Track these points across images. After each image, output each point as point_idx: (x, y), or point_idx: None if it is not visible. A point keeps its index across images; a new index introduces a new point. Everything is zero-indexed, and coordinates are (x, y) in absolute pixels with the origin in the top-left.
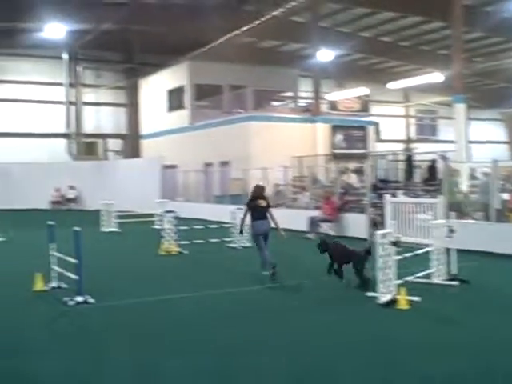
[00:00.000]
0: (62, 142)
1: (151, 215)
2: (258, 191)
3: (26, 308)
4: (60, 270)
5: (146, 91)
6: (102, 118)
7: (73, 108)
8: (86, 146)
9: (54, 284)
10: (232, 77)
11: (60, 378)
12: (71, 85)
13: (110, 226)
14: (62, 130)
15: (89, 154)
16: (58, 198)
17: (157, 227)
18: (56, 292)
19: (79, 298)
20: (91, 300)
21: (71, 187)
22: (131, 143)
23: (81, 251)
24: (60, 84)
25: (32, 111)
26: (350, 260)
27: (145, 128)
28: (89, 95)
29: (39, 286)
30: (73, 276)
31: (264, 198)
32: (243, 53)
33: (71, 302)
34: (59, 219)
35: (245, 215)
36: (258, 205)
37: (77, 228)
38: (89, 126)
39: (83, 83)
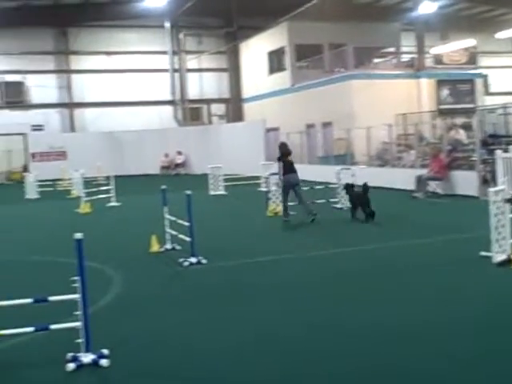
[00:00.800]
0: (169, 108)
1: (256, 177)
2: (285, 148)
3: (144, 268)
4: (173, 232)
5: (246, 55)
6: (205, 84)
7: (177, 75)
8: (191, 112)
9: (168, 246)
10: (332, 35)
11: (174, 336)
12: (174, 52)
13: (217, 189)
14: (168, 97)
15: (194, 120)
16: (167, 164)
17: (263, 189)
18: (170, 253)
19: (193, 259)
20: (204, 261)
21: (179, 152)
22: (234, 107)
23: (192, 214)
24: (164, 52)
25: (140, 80)
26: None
27: (246, 91)
28: (191, 62)
29: (155, 247)
30: (186, 238)
31: (290, 153)
32: (342, 10)
33: (186, 263)
34: (169, 184)
35: (280, 169)
36: (287, 160)
37: (188, 191)
38: (193, 92)
39: (185, 50)
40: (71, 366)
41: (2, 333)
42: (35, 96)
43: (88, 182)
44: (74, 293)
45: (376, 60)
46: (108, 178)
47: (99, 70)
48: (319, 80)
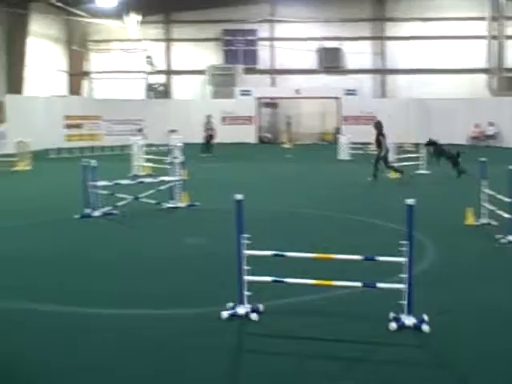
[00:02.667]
0: (482, 77)
1: None
2: (382, 125)
3: (458, 240)
4: (491, 207)
5: None
6: None
7: (494, 42)
8: (507, 81)
9: (483, 220)
10: None
11: (493, 311)
12: (493, 18)
13: None
14: (482, 65)
15: (510, 90)
16: (476, 134)
17: None
18: (485, 228)
19: (511, 237)
20: None
21: (490, 123)
22: None
23: None
24: (481, 18)
25: (454, 47)
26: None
27: None
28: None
29: (470, 220)
30: (505, 214)
31: None
32: None
33: (503, 240)
34: (480, 156)
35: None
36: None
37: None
38: (511, 60)
39: (506, 16)
40: (393, 325)
41: (333, 283)
42: (350, 62)
43: (396, 149)
44: (397, 256)
45: None
46: (416, 145)
47: (413, 37)
48: None
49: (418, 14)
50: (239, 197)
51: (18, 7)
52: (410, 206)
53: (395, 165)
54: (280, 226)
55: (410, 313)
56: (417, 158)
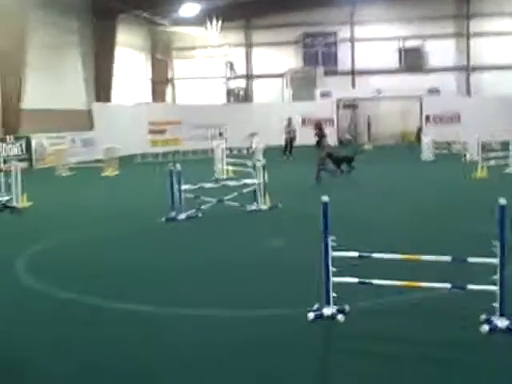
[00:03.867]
0: None
1: None
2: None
3: None
4: None
5: None
6: None
7: None
8: None
9: None
10: None
11: None
12: None
13: None
14: None
15: None
16: None
17: None
18: None
19: None
20: None
21: None
22: None
23: None
24: None
25: None
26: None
27: None
28: None
29: None
30: None
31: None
32: None
33: None
34: None
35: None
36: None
37: None
38: None
39: None
40: (485, 327)
41: (420, 284)
42: (432, 60)
43: (482, 147)
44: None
45: None
46: (505, 143)
47: (500, 33)
48: None
49: (505, 8)
50: (325, 199)
51: (107, 19)
52: (502, 207)
53: None
54: (357, 227)
55: (502, 314)
56: (505, 157)
